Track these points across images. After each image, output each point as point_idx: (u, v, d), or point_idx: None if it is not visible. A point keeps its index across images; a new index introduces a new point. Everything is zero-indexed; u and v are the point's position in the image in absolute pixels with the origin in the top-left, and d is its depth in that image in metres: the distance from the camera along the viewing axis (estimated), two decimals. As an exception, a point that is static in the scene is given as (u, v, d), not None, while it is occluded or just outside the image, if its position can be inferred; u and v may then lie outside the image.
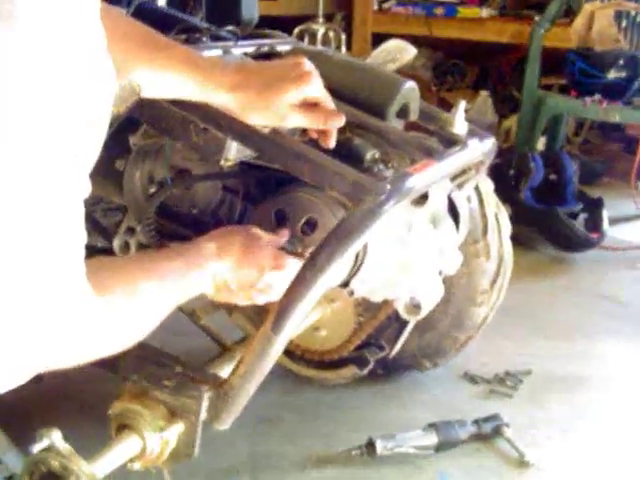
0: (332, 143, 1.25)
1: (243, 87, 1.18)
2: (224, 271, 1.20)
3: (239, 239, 1.22)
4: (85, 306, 0.87)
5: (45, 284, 0.79)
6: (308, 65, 1.22)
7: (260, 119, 1.20)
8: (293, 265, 1.23)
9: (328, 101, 1.24)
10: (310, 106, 1.22)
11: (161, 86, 1.17)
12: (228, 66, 1.21)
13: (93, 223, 1.91)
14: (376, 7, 4.47)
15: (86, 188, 0.82)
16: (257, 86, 1.19)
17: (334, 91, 1.39)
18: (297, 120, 1.21)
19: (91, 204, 1.89)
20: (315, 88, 1.22)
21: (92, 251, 1.58)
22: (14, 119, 0.70)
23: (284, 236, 1.31)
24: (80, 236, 0.83)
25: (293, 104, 1.20)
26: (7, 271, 0.74)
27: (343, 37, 3.98)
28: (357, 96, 1.40)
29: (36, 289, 0.78)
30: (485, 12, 4.23)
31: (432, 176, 1.30)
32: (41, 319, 0.80)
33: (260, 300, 1.26)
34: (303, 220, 1.31)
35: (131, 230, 1.55)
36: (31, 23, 0.70)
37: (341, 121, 1.23)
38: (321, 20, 4.12)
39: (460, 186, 1.52)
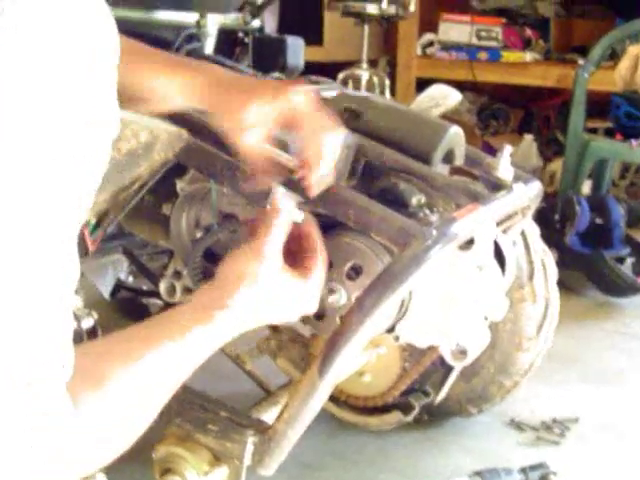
0: (312, 192, 1.19)
1: (224, 86, 1.14)
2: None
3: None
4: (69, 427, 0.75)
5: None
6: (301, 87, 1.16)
7: (227, 123, 1.14)
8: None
9: (313, 123, 1.15)
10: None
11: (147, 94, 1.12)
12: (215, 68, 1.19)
13: (140, 266, 1.93)
14: (419, 52, 4.49)
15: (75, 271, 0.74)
16: (237, 88, 1.14)
17: (380, 136, 1.40)
18: (248, 148, 1.14)
19: (139, 248, 1.92)
20: (295, 103, 1.14)
21: (138, 294, 1.60)
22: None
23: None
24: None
25: (264, 119, 1.12)
26: None
27: (387, 82, 4.00)
28: (402, 141, 1.41)
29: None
30: (529, 56, 4.23)
31: (478, 221, 1.30)
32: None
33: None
34: (349, 265, 1.31)
35: (178, 274, 1.56)
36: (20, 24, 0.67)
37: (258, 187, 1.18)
38: (365, 66, 4.15)
39: (506, 231, 1.51)
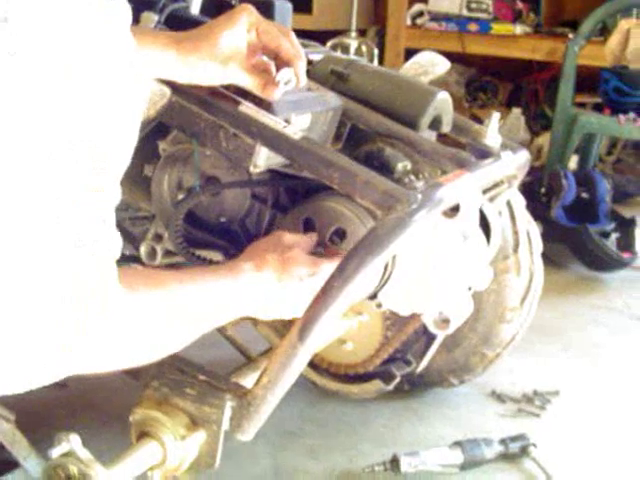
0: (274, 95, 1.24)
1: (188, 36, 1.20)
2: (266, 286, 1.17)
3: (273, 252, 1.19)
4: (115, 305, 0.86)
5: (75, 281, 0.78)
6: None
7: (206, 67, 1.20)
8: (328, 269, 1.20)
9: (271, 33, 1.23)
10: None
11: None
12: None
13: (121, 230, 1.90)
14: (409, 22, 4.45)
15: (116, 193, 0.81)
16: (199, 32, 1.21)
17: (367, 100, 1.37)
18: (237, 73, 1.22)
19: (119, 210, 1.89)
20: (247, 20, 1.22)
21: (119, 258, 1.57)
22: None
23: (313, 239, 1.29)
24: (112, 237, 0.83)
25: (237, 48, 1.21)
26: (36, 266, 0.74)
27: (376, 52, 3.97)
28: (390, 105, 1.39)
29: (65, 286, 0.77)
30: (519, 29, 4.21)
31: (464, 187, 1.28)
32: (70, 317, 0.79)
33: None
34: (332, 229, 1.30)
35: (158, 237, 1.54)
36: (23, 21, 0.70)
37: (274, 96, 1.23)
38: (354, 35, 4.12)
39: (492, 199, 1.49)
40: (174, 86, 1.21)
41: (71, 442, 1.13)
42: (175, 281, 1.03)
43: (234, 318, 1.18)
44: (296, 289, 1.19)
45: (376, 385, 1.77)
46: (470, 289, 1.48)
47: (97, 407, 1.82)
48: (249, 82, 1.23)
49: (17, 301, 0.74)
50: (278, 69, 1.23)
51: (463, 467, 1.66)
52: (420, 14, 4.43)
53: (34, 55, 0.70)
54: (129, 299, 0.89)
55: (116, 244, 0.84)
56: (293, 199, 1.45)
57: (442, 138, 1.52)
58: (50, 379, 0.83)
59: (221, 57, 1.20)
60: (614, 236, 2.96)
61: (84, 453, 1.13)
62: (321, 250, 1.28)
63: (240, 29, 1.21)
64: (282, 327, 1.66)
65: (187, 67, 1.19)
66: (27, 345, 0.77)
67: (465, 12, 4.26)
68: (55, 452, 1.12)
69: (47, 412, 1.71)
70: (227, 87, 1.27)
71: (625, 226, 2.96)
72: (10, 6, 0.68)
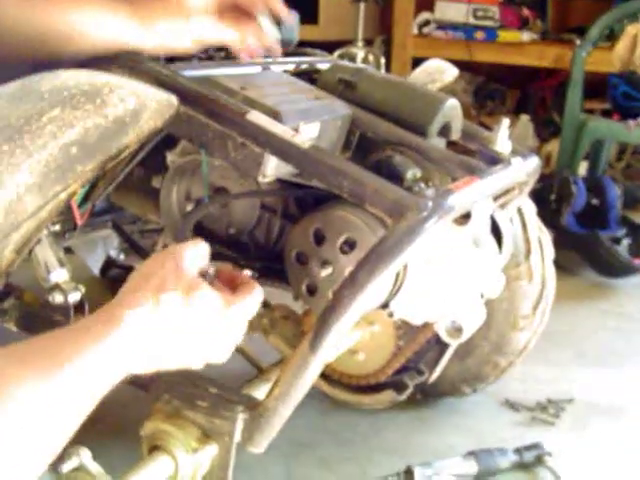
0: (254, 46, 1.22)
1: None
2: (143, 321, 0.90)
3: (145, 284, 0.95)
4: None
5: None
6: None
7: (166, 24, 1.14)
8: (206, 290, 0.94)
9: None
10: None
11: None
12: None
13: (130, 243, 1.90)
14: (416, 31, 4.45)
15: None
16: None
17: (375, 108, 1.36)
18: (204, 27, 1.16)
19: (129, 223, 1.89)
20: None
21: (129, 271, 1.57)
22: None
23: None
24: None
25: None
26: None
27: (383, 61, 3.96)
28: (398, 113, 1.38)
29: None
30: (526, 36, 4.19)
31: (475, 194, 1.27)
32: None
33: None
34: (342, 239, 1.28)
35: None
36: None
37: (253, 54, 1.21)
38: (361, 44, 4.11)
39: (503, 206, 1.48)
40: (182, 96, 1.20)
41: (81, 456, 1.12)
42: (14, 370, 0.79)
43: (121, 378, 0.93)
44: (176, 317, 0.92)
45: (388, 395, 1.76)
46: (482, 297, 1.47)
47: (108, 421, 1.80)
48: (224, 36, 1.18)
49: None
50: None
51: (477, 477, 1.64)
52: (426, 23, 4.42)
53: None
54: None
55: None
56: (302, 209, 1.44)
57: (452, 145, 1.51)
58: None
59: (184, 11, 1.14)
60: (625, 242, 2.95)
61: (95, 467, 1.12)
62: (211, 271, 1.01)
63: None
64: (293, 338, 1.64)
65: (145, 27, 1.14)
66: None
67: (472, 20, 4.26)
68: (66, 467, 1.11)
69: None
70: (206, 50, 1.24)
71: (636, 232, 2.95)
72: None
